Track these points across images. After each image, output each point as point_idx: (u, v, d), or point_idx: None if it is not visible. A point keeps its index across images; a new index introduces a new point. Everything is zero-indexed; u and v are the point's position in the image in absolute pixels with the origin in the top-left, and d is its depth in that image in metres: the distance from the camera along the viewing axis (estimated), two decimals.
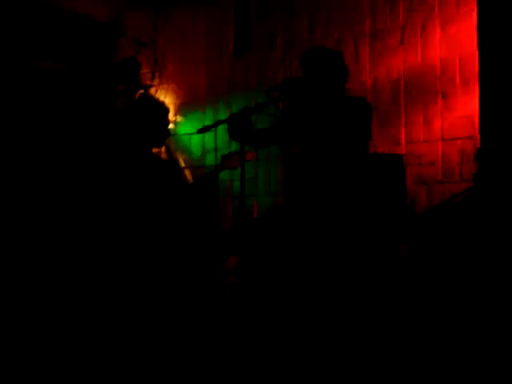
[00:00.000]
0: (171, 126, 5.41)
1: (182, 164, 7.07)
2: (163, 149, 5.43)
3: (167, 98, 6.90)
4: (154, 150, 5.44)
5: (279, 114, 4.81)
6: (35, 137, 6.60)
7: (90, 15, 6.91)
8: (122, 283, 4.77)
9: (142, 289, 4.82)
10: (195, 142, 7.09)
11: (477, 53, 5.18)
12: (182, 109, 7.20)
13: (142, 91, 7.04)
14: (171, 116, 5.40)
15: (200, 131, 4.31)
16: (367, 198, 3.66)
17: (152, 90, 7.09)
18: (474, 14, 5.35)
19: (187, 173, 7.05)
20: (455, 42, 5.82)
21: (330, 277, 4.49)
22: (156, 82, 7.14)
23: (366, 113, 4.62)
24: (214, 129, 4.31)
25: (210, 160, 6.04)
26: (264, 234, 5.59)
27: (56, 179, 6.48)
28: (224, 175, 6.04)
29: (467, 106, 5.72)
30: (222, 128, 4.39)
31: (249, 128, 4.30)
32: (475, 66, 5.22)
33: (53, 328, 4.91)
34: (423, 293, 3.99)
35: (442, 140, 5.90)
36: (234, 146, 5.82)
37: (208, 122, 4.36)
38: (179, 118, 7.13)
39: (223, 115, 6.37)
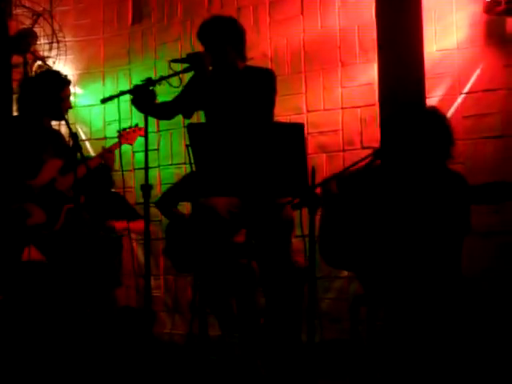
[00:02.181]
0: (71, 98, 5.33)
1: (82, 137, 6.97)
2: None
3: (66, 69, 6.77)
4: (54, 123, 5.37)
5: (185, 85, 4.79)
6: None
7: None
8: None
9: None
10: (95, 114, 7.00)
11: (374, 21, 5.24)
12: (81, 80, 7.09)
13: (39, 63, 6.89)
14: (71, 88, 5.33)
15: (103, 101, 4.25)
16: (269, 166, 3.68)
17: (50, 62, 6.94)
18: None
19: (88, 145, 6.97)
20: (353, 11, 5.88)
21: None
22: (54, 53, 7.00)
23: (271, 84, 4.64)
24: (116, 99, 4.26)
25: (111, 132, 5.98)
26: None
27: None
28: (127, 147, 6.00)
29: (366, 75, 5.79)
30: (123, 99, 4.34)
31: (152, 99, 4.27)
32: (373, 35, 5.28)
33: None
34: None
35: (342, 108, 5.96)
36: (136, 118, 5.78)
37: (108, 94, 4.31)
38: (78, 90, 7.02)
39: (123, 86, 6.28)
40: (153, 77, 4.28)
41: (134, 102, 4.33)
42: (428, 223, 3.67)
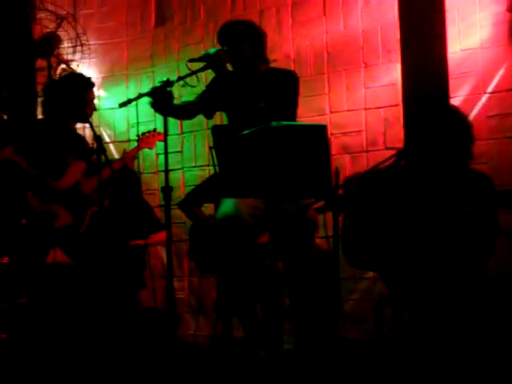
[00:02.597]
0: (95, 100, 5.37)
1: (106, 139, 7.01)
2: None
3: (89, 72, 6.81)
4: (78, 126, 5.40)
5: (207, 86, 4.80)
6: None
7: None
8: None
9: None
10: (119, 117, 7.02)
11: (397, 21, 5.22)
12: (105, 83, 7.12)
13: (63, 66, 6.93)
14: (95, 91, 5.37)
15: (122, 105, 4.25)
16: (293, 167, 3.67)
17: (74, 65, 6.98)
18: None
19: (112, 148, 7.00)
20: (376, 11, 5.86)
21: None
22: (78, 56, 7.03)
23: (293, 85, 4.64)
24: (135, 102, 4.27)
25: (135, 134, 6.01)
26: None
27: None
28: (149, 150, 6.02)
29: (389, 75, 5.77)
30: (146, 101, 4.36)
31: (170, 100, 4.27)
32: (396, 35, 5.26)
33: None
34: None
35: (366, 109, 5.94)
36: (159, 120, 5.80)
37: (131, 96, 4.31)
38: (102, 93, 7.05)
39: (146, 89, 6.30)
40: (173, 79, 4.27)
41: (152, 104, 4.33)
42: (453, 223, 3.65)
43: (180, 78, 4.27)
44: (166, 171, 4.06)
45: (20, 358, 4.59)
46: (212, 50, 4.54)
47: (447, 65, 5.04)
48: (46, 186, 4.90)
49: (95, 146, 4.89)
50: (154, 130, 5.73)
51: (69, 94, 5.08)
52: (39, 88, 6.60)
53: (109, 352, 4.71)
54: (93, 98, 5.24)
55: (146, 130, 5.76)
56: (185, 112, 4.82)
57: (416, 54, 5.04)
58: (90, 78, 5.31)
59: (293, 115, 4.64)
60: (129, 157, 5.40)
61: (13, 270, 5.13)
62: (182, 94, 5.17)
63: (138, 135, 5.69)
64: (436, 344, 3.62)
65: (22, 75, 6.82)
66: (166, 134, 4.11)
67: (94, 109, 5.28)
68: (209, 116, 4.92)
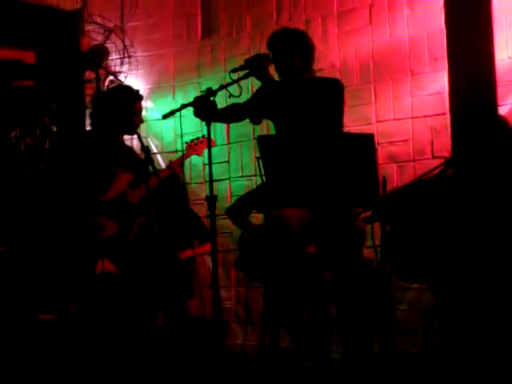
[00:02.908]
0: (143, 112, 5.41)
1: (154, 150, 7.06)
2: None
3: (137, 83, 6.87)
4: (126, 137, 5.45)
5: (255, 92, 4.80)
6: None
7: (55, 6, 6.90)
8: None
9: None
10: (166, 127, 7.07)
11: (444, 29, 5.19)
12: (152, 94, 7.17)
13: (111, 78, 7.01)
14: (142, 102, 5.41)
15: (165, 116, 4.29)
16: (340, 176, 3.67)
17: (121, 77, 7.05)
18: None
19: (160, 158, 7.05)
20: (422, 19, 5.83)
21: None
22: (125, 68, 7.11)
23: (338, 93, 4.63)
24: (181, 112, 4.29)
25: (182, 145, 6.05)
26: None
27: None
28: (198, 160, 6.05)
29: (436, 83, 5.73)
30: (192, 112, 4.38)
31: (214, 108, 4.28)
32: (443, 43, 5.23)
33: None
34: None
35: (413, 118, 5.91)
36: (205, 130, 5.82)
37: (178, 107, 4.34)
38: (149, 104, 7.11)
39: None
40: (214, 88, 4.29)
41: (196, 114, 4.34)
42: (503, 232, 3.62)
43: (222, 87, 4.28)
44: (211, 181, 4.08)
45: (72, 366, 4.63)
46: (252, 56, 4.54)
47: (495, 72, 5.00)
48: (94, 199, 4.94)
49: (143, 156, 4.93)
50: (203, 136, 5.73)
51: (117, 105, 5.12)
52: (88, 100, 6.68)
53: (158, 360, 4.74)
54: (140, 109, 5.28)
55: (194, 138, 5.78)
56: (232, 115, 4.81)
57: (463, 62, 5.00)
58: (137, 90, 5.35)
59: (339, 124, 4.63)
60: (175, 164, 5.42)
61: (62, 280, 5.19)
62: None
63: (186, 142, 5.70)
64: (485, 354, 3.58)
65: (70, 87, 6.92)
66: (209, 143, 4.14)
67: (142, 121, 5.31)
68: (256, 122, 4.92)
